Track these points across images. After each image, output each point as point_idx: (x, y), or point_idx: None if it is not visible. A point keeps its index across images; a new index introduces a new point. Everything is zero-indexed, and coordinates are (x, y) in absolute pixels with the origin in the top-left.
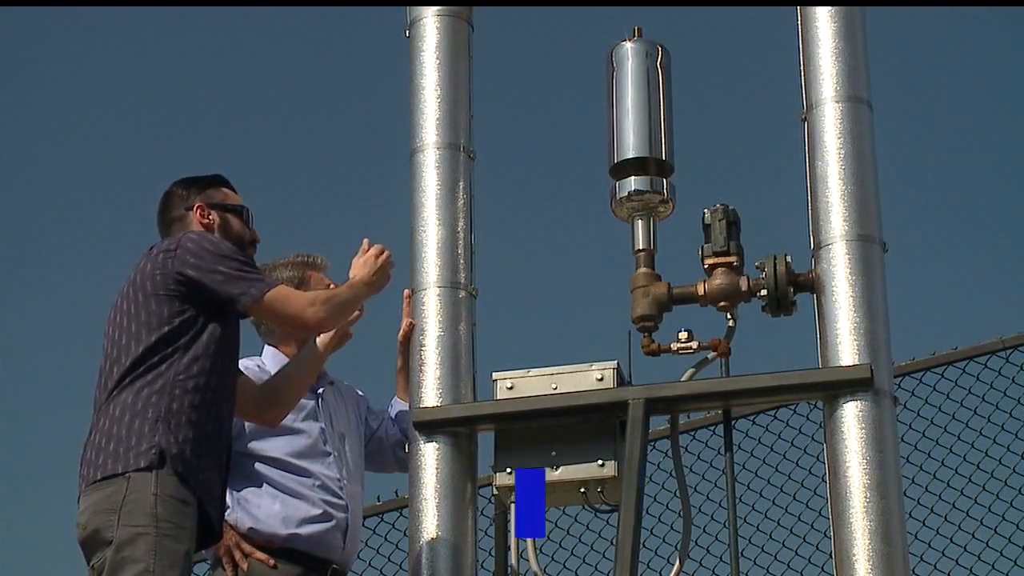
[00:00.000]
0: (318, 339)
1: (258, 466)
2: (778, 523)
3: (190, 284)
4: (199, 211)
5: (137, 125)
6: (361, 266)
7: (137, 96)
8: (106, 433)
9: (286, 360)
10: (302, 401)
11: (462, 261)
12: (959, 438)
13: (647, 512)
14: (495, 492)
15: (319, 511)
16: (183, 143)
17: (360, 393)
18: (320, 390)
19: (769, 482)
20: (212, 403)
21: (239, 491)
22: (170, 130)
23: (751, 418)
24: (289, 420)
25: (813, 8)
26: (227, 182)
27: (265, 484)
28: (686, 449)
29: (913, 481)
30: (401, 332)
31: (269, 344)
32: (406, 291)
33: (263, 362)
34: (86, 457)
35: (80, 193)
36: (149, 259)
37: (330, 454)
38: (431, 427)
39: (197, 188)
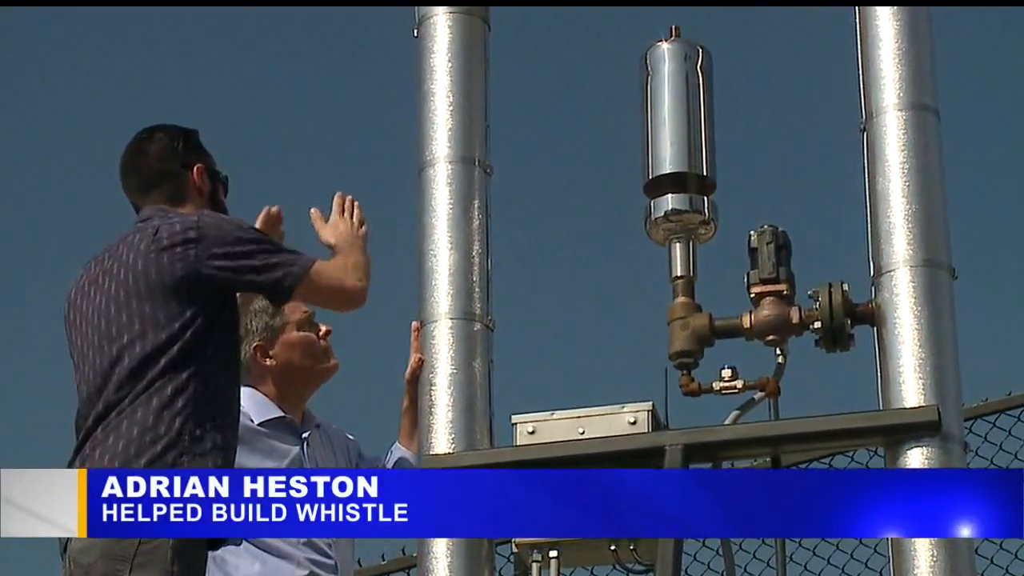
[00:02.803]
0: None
1: None
2: None
3: (219, 282)
4: (200, 174)
5: (125, 127)
6: (342, 223)
7: (125, 99)
8: (119, 454)
9: (265, 400)
10: (285, 447)
11: (477, 289)
12: None
13: (686, 572)
14: (515, 550)
15: (305, 572)
16: None
17: (351, 437)
18: (305, 435)
19: (824, 539)
20: (233, 423)
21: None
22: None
23: (803, 467)
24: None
25: (873, 7)
26: None
27: (244, 541)
28: None
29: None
30: (408, 369)
31: (246, 385)
32: (414, 323)
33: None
34: None
35: (74, 194)
36: (158, 245)
37: None
38: None
39: (194, 145)
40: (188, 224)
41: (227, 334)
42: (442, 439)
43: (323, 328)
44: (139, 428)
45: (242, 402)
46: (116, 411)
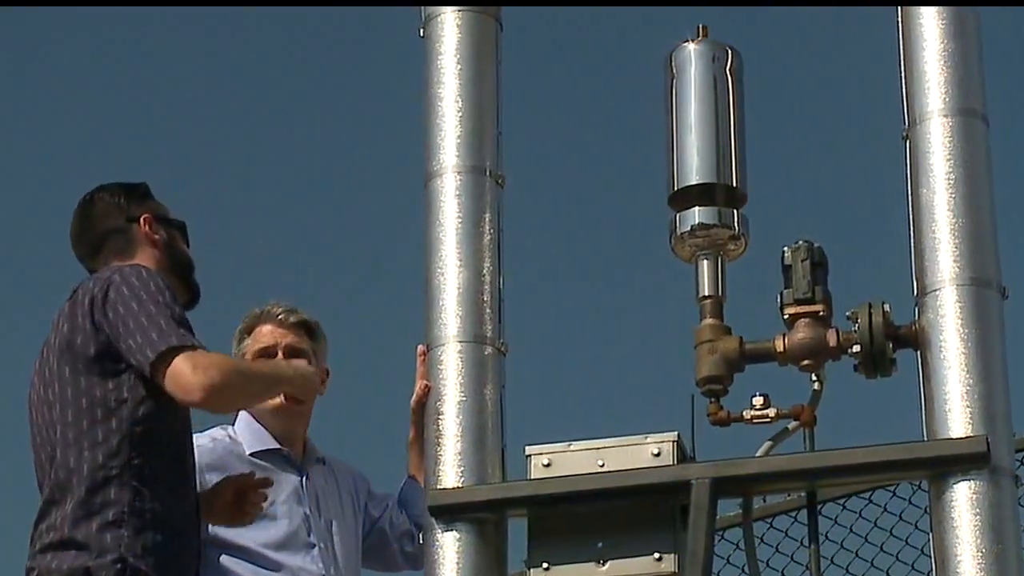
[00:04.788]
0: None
1: (225, 559)
2: None
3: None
4: (147, 224)
5: (124, 129)
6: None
7: (123, 100)
8: (66, 536)
9: (260, 431)
10: (283, 478)
11: (488, 310)
12: None
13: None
14: None
15: None
16: (154, 159)
17: (358, 473)
18: (305, 469)
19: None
20: (181, 493)
21: None
22: (151, 140)
23: (841, 502)
24: (265, 504)
25: (917, 7)
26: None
27: None
28: (762, 540)
29: None
30: (414, 397)
31: (246, 409)
32: (420, 347)
33: (233, 432)
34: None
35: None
36: (76, 305)
37: (315, 546)
38: (451, 513)
39: (137, 196)
40: (103, 279)
41: (166, 398)
42: (450, 472)
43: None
44: (70, 523)
45: (237, 429)
46: (61, 491)
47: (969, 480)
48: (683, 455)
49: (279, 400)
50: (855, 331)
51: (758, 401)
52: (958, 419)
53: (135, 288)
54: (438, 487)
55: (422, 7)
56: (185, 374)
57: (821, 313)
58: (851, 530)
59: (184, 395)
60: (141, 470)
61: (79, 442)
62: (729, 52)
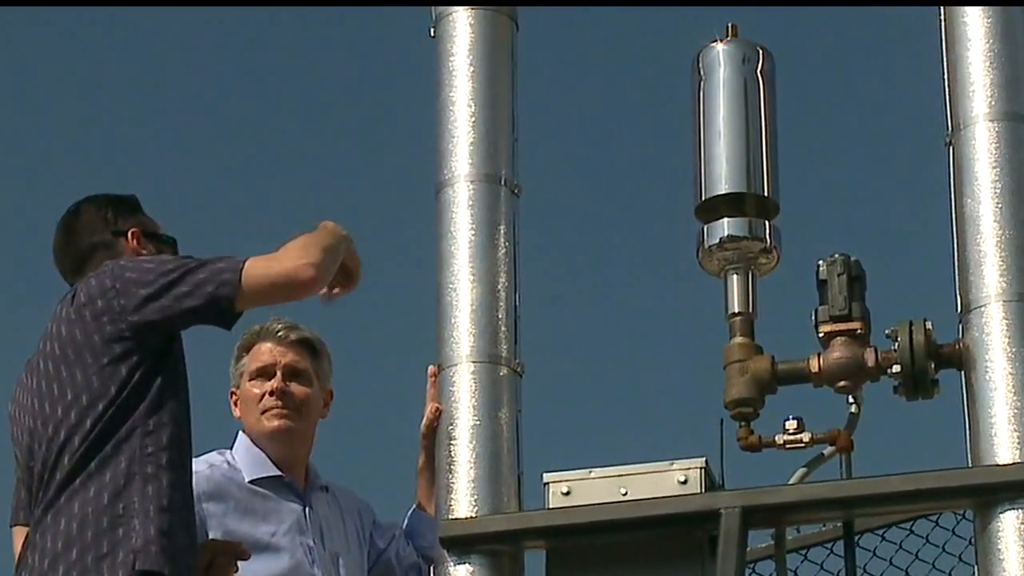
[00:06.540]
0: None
1: None
2: None
3: (158, 325)
4: (135, 238)
5: (122, 132)
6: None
7: (124, 100)
8: (62, 549)
9: (260, 456)
10: (284, 510)
11: (503, 328)
12: None
13: None
14: None
15: None
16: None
17: (364, 502)
18: (308, 497)
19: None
20: (188, 483)
21: None
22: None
23: (880, 532)
24: (266, 535)
25: (961, 7)
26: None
27: None
28: (795, 573)
29: None
30: (424, 421)
31: (244, 431)
32: (431, 367)
33: (232, 458)
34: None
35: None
36: (78, 305)
37: None
38: (464, 544)
39: (126, 210)
40: (103, 274)
41: (168, 374)
42: (463, 501)
43: (272, 384)
44: (78, 522)
45: (236, 454)
46: (60, 491)
47: (1017, 509)
48: (711, 483)
49: (276, 423)
50: (895, 350)
51: (791, 425)
52: (1005, 444)
53: (139, 260)
54: (450, 517)
55: (433, 6)
56: (283, 267)
57: (858, 331)
58: (891, 563)
59: (300, 285)
60: (152, 459)
61: (89, 457)
62: (760, 53)
